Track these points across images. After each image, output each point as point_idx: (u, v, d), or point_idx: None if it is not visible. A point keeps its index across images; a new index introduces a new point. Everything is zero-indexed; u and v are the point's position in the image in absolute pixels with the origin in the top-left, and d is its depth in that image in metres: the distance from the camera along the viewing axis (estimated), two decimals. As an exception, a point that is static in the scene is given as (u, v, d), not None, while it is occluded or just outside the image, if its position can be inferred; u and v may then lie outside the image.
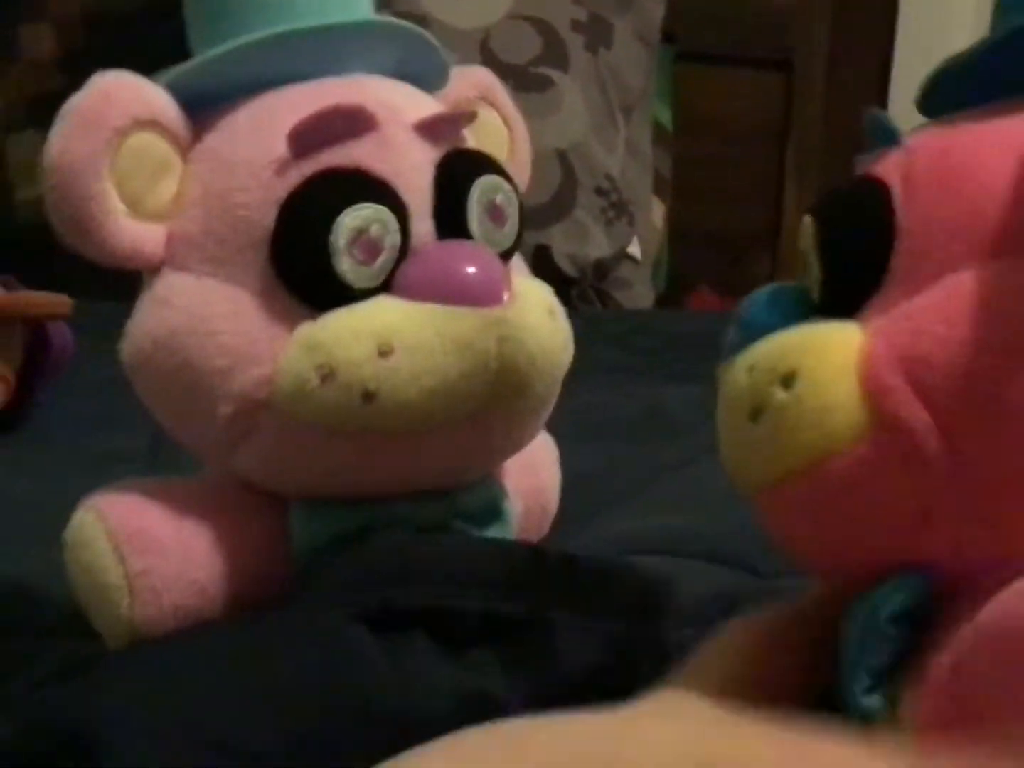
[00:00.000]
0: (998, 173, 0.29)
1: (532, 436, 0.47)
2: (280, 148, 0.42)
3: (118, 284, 0.47)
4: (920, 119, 0.34)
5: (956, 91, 0.32)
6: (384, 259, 0.42)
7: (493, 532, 0.47)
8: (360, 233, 0.41)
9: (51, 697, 0.37)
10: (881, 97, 1.76)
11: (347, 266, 0.41)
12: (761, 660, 0.31)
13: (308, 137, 0.42)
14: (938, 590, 0.29)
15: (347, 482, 0.43)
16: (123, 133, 0.42)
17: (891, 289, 0.30)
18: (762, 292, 0.34)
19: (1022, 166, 0.29)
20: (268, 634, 0.40)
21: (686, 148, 1.68)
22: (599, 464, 0.74)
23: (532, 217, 0.48)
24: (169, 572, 0.42)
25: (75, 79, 0.43)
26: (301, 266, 0.41)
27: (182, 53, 0.46)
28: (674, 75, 1.68)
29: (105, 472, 0.72)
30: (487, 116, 0.51)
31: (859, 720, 0.29)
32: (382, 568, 0.41)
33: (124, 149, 0.42)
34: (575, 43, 1.46)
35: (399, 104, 0.44)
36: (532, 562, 0.42)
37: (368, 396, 0.40)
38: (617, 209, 1.44)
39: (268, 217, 0.42)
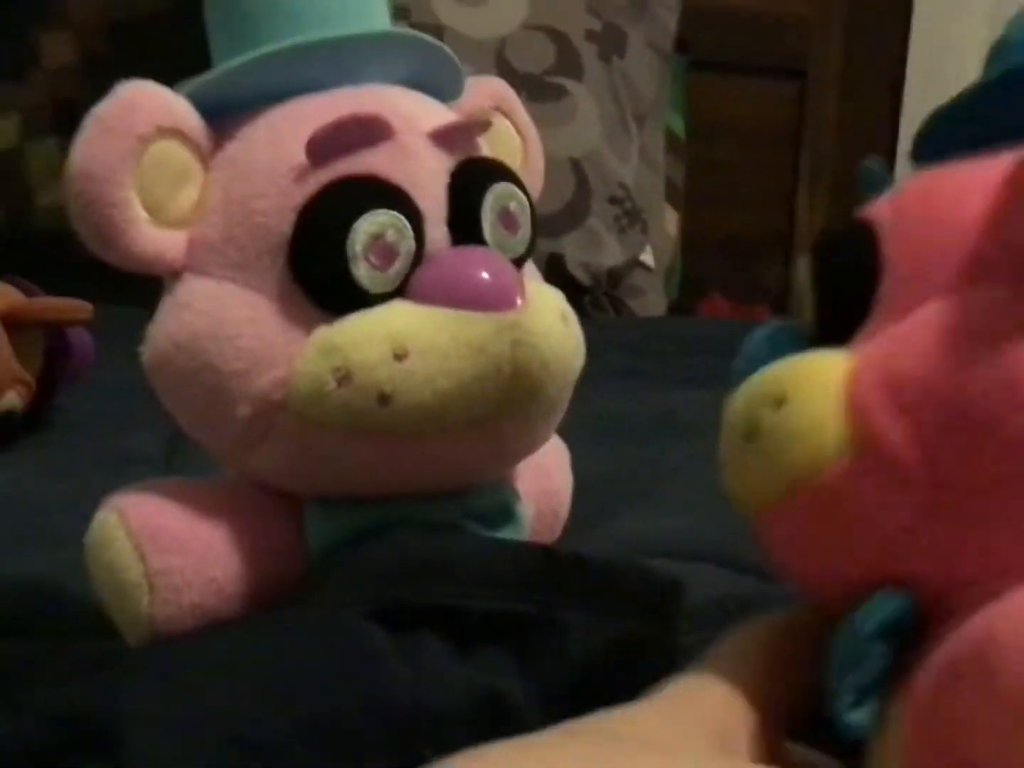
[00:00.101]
0: (977, 206, 0.30)
1: (544, 440, 0.48)
2: (298, 156, 0.43)
3: (137, 290, 0.48)
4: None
5: (952, 136, 0.32)
6: (399, 265, 0.42)
7: (505, 534, 0.47)
8: (376, 239, 0.42)
9: (72, 693, 0.38)
10: (894, 105, 1.76)
11: (363, 271, 0.42)
12: (769, 666, 0.32)
13: (325, 145, 0.42)
14: (925, 605, 0.29)
15: (362, 483, 0.44)
16: (146, 141, 0.42)
17: (879, 317, 0.31)
18: (762, 329, 0.35)
19: (992, 197, 0.29)
20: (285, 632, 0.40)
21: (699, 155, 1.69)
22: (611, 467, 0.75)
23: (545, 225, 0.49)
24: (188, 571, 0.43)
25: (96, 87, 0.44)
26: (318, 271, 0.42)
27: (202, 61, 0.46)
28: (688, 83, 1.68)
29: (123, 473, 0.72)
30: (501, 125, 0.52)
31: (847, 736, 0.29)
32: (395, 567, 0.42)
33: (147, 157, 0.43)
34: (589, 52, 1.47)
35: (414, 113, 0.45)
36: (543, 562, 0.42)
37: (383, 398, 0.41)
38: (630, 217, 1.44)
39: (286, 223, 0.42)
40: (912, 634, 0.29)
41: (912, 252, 0.31)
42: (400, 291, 0.43)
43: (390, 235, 0.42)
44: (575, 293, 1.26)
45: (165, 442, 0.79)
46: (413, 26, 1.35)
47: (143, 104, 0.43)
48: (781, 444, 0.30)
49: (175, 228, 0.44)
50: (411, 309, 0.42)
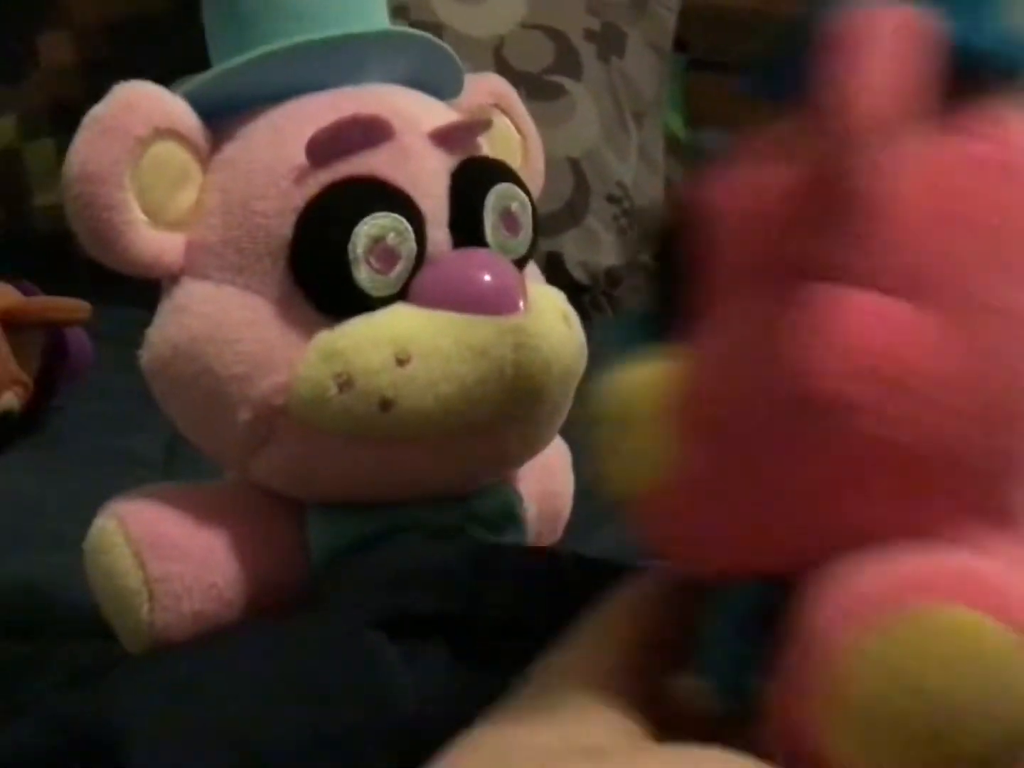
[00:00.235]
0: (768, 208, 0.29)
1: (547, 441, 0.47)
2: (298, 157, 0.42)
3: (136, 290, 0.48)
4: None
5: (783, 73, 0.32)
6: (401, 267, 0.42)
7: (508, 536, 0.47)
8: (377, 242, 0.41)
9: (73, 699, 0.38)
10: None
11: (364, 274, 0.41)
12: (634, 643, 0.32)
13: (325, 146, 0.42)
14: (790, 582, 0.29)
15: (364, 488, 0.44)
16: (144, 143, 0.42)
17: (703, 314, 0.31)
18: (626, 318, 0.36)
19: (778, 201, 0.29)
20: (287, 640, 0.40)
21: (698, 155, 1.68)
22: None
23: (544, 224, 0.49)
24: (188, 577, 0.42)
25: (94, 87, 0.43)
26: (319, 274, 0.42)
27: (202, 61, 0.46)
28: (687, 83, 1.68)
29: (122, 475, 0.72)
30: (501, 123, 0.51)
31: (723, 711, 0.30)
32: (399, 575, 0.42)
33: (145, 159, 0.42)
34: (588, 52, 1.47)
35: (415, 113, 0.45)
36: (549, 566, 0.42)
37: (386, 404, 0.41)
38: (629, 217, 1.44)
39: (286, 225, 0.42)
40: (779, 614, 0.29)
41: (721, 244, 0.31)
42: (402, 294, 0.42)
43: (391, 238, 0.42)
44: (575, 293, 1.26)
45: (164, 444, 0.79)
46: (412, 24, 1.34)
47: (141, 105, 0.42)
48: (621, 461, 0.32)
49: (174, 230, 0.44)
50: (413, 313, 0.42)
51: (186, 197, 0.44)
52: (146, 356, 0.45)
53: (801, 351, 0.27)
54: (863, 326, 0.27)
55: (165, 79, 0.45)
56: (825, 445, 0.27)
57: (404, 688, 0.38)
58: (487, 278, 0.42)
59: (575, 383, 0.45)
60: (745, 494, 0.29)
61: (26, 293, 0.89)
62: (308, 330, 0.42)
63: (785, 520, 0.29)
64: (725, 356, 0.30)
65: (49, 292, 0.89)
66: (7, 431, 0.84)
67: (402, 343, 0.41)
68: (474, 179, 0.44)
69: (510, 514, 0.47)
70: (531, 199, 0.46)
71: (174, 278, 0.44)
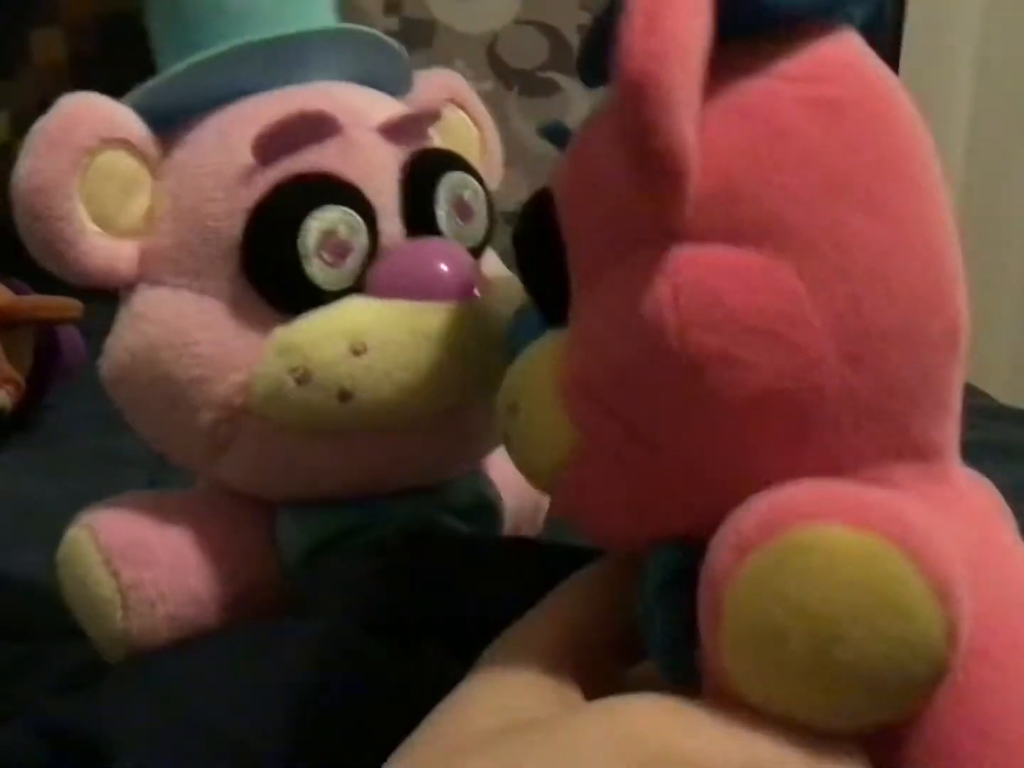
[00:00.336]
0: (613, 175, 0.29)
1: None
2: (245, 158, 0.42)
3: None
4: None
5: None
6: (354, 260, 0.42)
7: (483, 527, 0.47)
8: (328, 235, 0.41)
9: (64, 704, 0.38)
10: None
11: (317, 269, 0.41)
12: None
13: (272, 144, 0.42)
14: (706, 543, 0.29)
15: (331, 484, 0.44)
16: (91, 152, 0.42)
17: (575, 294, 0.31)
18: (520, 308, 0.37)
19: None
20: (275, 642, 0.40)
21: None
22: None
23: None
24: (162, 583, 0.43)
25: (86, 84, 0.43)
26: (272, 272, 0.42)
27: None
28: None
29: (112, 473, 0.72)
30: (456, 117, 0.52)
31: (672, 680, 0.30)
32: (383, 573, 0.41)
33: (92, 168, 0.42)
34: (582, 48, 1.49)
35: (362, 108, 0.45)
36: (535, 558, 0.42)
37: (344, 395, 0.41)
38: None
39: (237, 226, 0.42)
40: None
41: (576, 229, 0.31)
42: (357, 287, 0.42)
43: (342, 231, 0.42)
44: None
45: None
46: (405, 20, 1.35)
47: (86, 116, 0.42)
48: (524, 449, 0.32)
49: (126, 238, 0.44)
50: (367, 304, 0.42)
51: (137, 205, 0.44)
52: (105, 366, 0.45)
53: (659, 311, 0.28)
54: (714, 278, 0.28)
55: (154, 74, 0.45)
56: (699, 398, 0.28)
57: (392, 688, 0.38)
58: (441, 266, 0.42)
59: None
60: (641, 460, 0.29)
61: (18, 292, 0.89)
62: (265, 329, 0.42)
63: (683, 479, 0.29)
64: (596, 327, 0.30)
65: (41, 291, 0.89)
66: (-1, 430, 0.84)
67: (357, 334, 0.41)
68: (425, 169, 0.44)
69: (483, 503, 0.47)
70: (486, 188, 0.46)
71: (130, 286, 0.44)
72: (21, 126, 1.28)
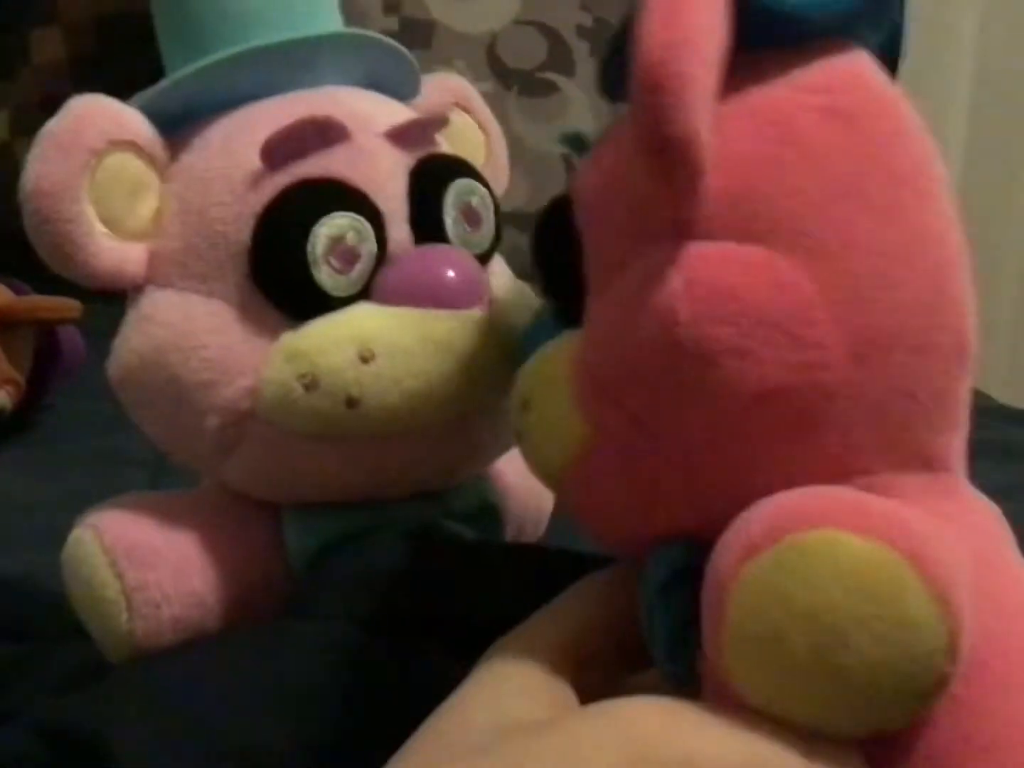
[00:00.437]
0: (632, 175, 0.30)
1: (519, 435, 0.47)
2: (254, 162, 0.42)
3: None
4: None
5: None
6: (362, 266, 0.42)
7: (487, 532, 0.47)
8: (336, 242, 0.41)
9: (62, 705, 0.38)
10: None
11: (325, 275, 0.41)
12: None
13: (280, 150, 0.42)
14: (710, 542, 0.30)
15: (337, 488, 0.44)
16: (99, 155, 0.42)
17: (591, 295, 0.32)
18: (536, 308, 0.38)
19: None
20: (276, 643, 0.40)
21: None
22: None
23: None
24: (166, 584, 0.43)
25: (85, 84, 0.43)
26: (280, 277, 0.42)
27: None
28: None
29: (114, 474, 0.72)
30: (463, 122, 0.52)
31: (674, 682, 0.30)
32: (384, 575, 0.42)
33: (101, 171, 0.42)
34: (581, 49, 1.48)
35: (370, 113, 0.45)
36: (537, 562, 0.42)
37: (352, 402, 0.41)
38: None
39: (245, 231, 0.42)
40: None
41: (595, 227, 0.32)
42: (365, 293, 0.42)
43: (350, 237, 0.42)
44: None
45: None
46: (405, 20, 1.35)
47: (94, 118, 0.42)
48: (536, 445, 0.33)
49: (134, 241, 0.44)
50: (376, 311, 0.42)
51: (146, 207, 0.44)
52: (112, 367, 0.45)
53: (671, 303, 0.28)
54: (726, 274, 0.28)
55: (155, 76, 0.45)
56: (707, 392, 0.28)
57: (393, 689, 0.38)
58: (448, 273, 0.42)
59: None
60: (646, 454, 0.30)
61: (18, 292, 0.89)
62: (272, 334, 0.42)
63: (689, 476, 0.29)
64: (608, 323, 0.30)
65: (41, 291, 0.89)
66: (-1, 430, 0.84)
67: (365, 340, 0.41)
68: (433, 176, 0.44)
69: (488, 509, 0.47)
70: (493, 194, 0.46)
71: (138, 288, 0.44)
72: (20, 126, 1.28)
